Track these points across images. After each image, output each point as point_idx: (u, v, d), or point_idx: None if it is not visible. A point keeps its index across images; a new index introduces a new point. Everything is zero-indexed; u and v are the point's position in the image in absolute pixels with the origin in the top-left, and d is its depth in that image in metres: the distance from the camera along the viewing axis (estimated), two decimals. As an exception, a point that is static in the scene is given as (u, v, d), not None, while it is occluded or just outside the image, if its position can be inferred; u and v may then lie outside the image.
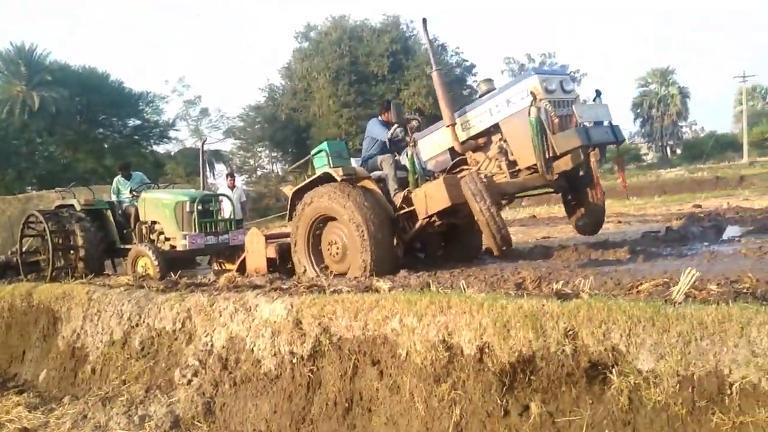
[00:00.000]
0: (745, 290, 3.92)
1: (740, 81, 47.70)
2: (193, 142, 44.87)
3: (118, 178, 11.20)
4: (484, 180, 5.99)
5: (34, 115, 35.82)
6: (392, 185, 7.07)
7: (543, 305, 3.51)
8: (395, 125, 7.34)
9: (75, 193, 11.22)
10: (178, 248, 9.73)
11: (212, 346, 5.38)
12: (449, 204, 6.16)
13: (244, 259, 8.45)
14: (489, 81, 7.12)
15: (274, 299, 5.10)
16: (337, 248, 7.03)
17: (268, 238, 8.28)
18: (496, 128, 6.42)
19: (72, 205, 10.73)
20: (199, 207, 9.85)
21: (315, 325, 4.61)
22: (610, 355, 3.21)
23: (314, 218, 7.21)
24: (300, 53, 45.56)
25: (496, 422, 3.57)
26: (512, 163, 6.40)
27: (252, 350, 5.01)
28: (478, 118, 6.52)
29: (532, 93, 5.85)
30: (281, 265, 8.03)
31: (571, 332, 3.36)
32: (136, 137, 46.04)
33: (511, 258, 7.72)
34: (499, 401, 3.56)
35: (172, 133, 46.51)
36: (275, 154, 51.46)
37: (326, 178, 7.27)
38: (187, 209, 9.82)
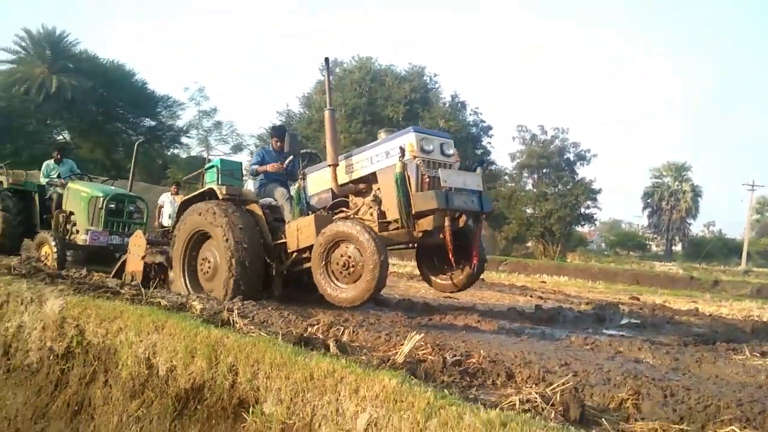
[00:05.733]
0: (459, 362, 3.97)
1: (748, 189, 47.31)
2: (198, 152, 45.49)
3: (49, 162, 11.45)
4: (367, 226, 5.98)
5: (49, 97, 36.74)
6: (288, 216, 7.11)
7: (223, 337, 3.55)
8: (290, 156, 7.53)
9: (7, 171, 11.43)
10: (79, 242, 9.89)
11: (7, 331, 5.46)
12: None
13: (124, 261, 8.49)
14: (390, 131, 7.24)
15: (64, 295, 5.18)
16: (209, 266, 7.06)
17: (149, 243, 8.33)
18: (374, 177, 6.46)
19: (1, 182, 10.99)
20: (111, 205, 10.04)
21: (73, 326, 4.68)
22: (253, 395, 3.25)
23: (193, 232, 7.26)
24: (322, 85, 46.27)
25: (161, 445, 3.60)
26: (382, 214, 6.39)
27: (27, 341, 5.08)
28: (360, 164, 6.57)
29: (400, 148, 5.90)
30: (157, 273, 8.10)
31: (234, 367, 3.40)
32: (149, 137, 46.86)
33: (376, 306, 7.81)
34: (168, 425, 3.60)
35: (183, 140, 47.20)
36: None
37: (211, 195, 7.37)
38: (99, 205, 10.02)
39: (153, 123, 46.46)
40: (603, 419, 3.05)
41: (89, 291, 5.79)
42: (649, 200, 56.40)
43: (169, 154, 46.77)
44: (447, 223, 5.96)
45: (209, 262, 7.06)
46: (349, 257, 5.74)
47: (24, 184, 11.18)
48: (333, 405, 2.81)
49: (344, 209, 6.87)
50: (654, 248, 61.59)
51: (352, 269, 5.72)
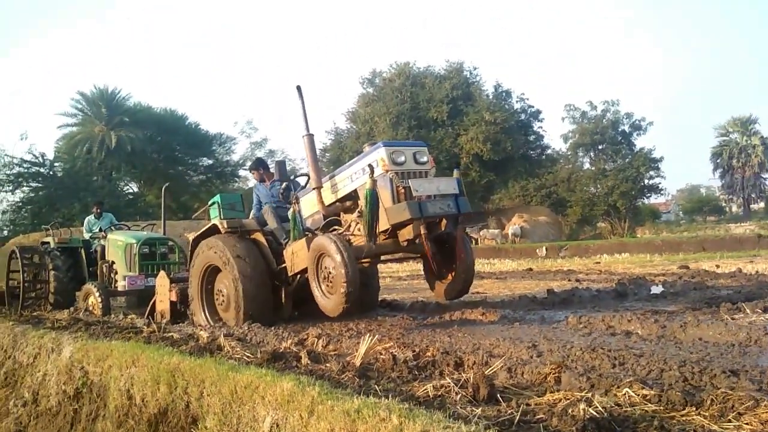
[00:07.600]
0: (418, 356, 4.20)
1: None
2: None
3: (90, 218, 12.27)
4: (343, 240, 6.19)
5: (110, 153, 38.81)
6: (281, 235, 7.38)
7: (180, 363, 3.89)
8: (283, 183, 7.88)
9: (54, 232, 12.32)
10: (119, 288, 10.57)
11: (36, 381, 6.02)
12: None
13: (155, 302, 9.02)
14: (373, 144, 7.48)
15: (74, 341, 5.68)
16: (223, 297, 7.45)
17: (172, 281, 8.81)
18: (356, 193, 6.63)
19: (49, 243, 11.87)
20: (144, 249, 10.66)
21: (78, 368, 5.15)
22: (201, 411, 3.57)
23: (205, 267, 7.70)
24: (364, 98, 46.89)
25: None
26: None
27: (48, 387, 5.60)
28: (343, 183, 6.80)
29: (369, 165, 6.10)
30: (183, 308, 8.58)
31: (187, 389, 3.73)
32: (209, 175, 48.68)
33: (390, 312, 8.05)
34: (145, 449, 3.97)
35: (241, 173, 48.79)
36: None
37: (215, 230, 7.81)
38: (134, 251, 10.67)
39: (210, 161, 48.24)
40: (518, 395, 3.21)
41: (116, 333, 6.30)
42: (718, 160, 54.16)
43: (232, 188, 48.40)
44: (423, 231, 6.13)
45: (222, 293, 7.42)
46: (327, 269, 6.00)
47: (70, 241, 12.04)
48: (251, 412, 3.09)
49: (337, 227, 7.11)
50: (735, 209, 59.04)
51: (332, 280, 5.96)
